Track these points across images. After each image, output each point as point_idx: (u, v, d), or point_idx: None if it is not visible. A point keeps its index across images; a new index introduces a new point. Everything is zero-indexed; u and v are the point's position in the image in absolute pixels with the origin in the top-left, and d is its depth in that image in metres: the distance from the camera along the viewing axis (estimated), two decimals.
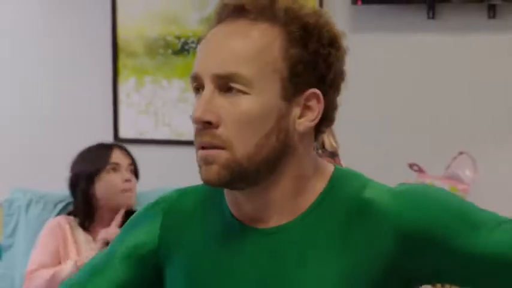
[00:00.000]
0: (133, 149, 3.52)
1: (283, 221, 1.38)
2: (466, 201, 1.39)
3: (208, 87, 1.33)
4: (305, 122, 1.37)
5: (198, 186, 1.48)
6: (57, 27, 4.45)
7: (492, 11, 3.81)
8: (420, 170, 3.70)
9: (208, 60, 1.34)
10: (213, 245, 1.42)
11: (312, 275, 1.35)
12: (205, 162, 1.34)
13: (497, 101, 3.85)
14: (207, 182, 1.35)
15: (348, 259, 1.34)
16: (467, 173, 3.56)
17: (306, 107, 1.36)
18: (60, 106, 4.44)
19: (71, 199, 3.44)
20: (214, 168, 1.33)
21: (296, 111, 1.36)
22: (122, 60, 4.35)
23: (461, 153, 3.67)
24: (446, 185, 3.52)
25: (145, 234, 1.47)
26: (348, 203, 1.37)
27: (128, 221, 1.54)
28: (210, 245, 1.42)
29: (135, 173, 3.40)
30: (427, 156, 3.82)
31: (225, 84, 1.33)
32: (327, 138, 2.89)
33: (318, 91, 1.36)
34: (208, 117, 1.32)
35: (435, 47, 3.90)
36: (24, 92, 4.50)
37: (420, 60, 3.93)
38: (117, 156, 3.27)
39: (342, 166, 2.86)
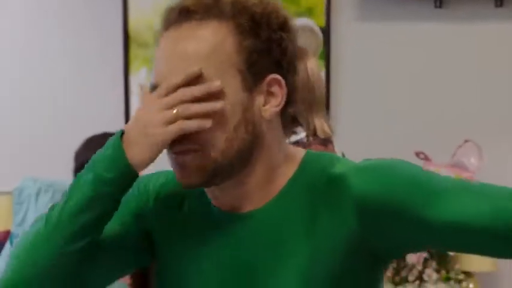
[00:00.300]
0: None
1: (257, 205, 1.42)
2: (426, 172, 1.38)
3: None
4: (270, 108, 1.38)
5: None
6: (68, 18, 4.49)
7: (499, 0, 3.82)
8: (426, 158, 3.72)
9: (165, 69, 1.35)
10: (193, 228, 1.46)
11: (283, 258, 1.38)
12: (180, 167, 1.37)
13: (503, 89, 3.86)
14: (185, 185, 1.38)
15: (316, 241, 1.37)
16: (472, 161, 3.58)
17: (269, 94, 1.38)
18: (71, 96, 4.48)
19: None
20: (191, 171, 1.36)
21: (260, 99, 1.37)
22: (133, 51, 4.38)
23: (466, 141, 3.68)
24: (451, 173, 3.53)
25: (142, 200, 1.51)
26: (314, 184, 1.40)
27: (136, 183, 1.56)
28: (190, 228, 1.46)
29: None
30: (433, 144, 3.84)
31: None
32: (319, 123, 2.86)
33: (277, 76, 1.38)
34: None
35: (442, 35, 3.91)
36: (36, 83, 4.55)
37: (427, 49, 3.94)
38: None
39: (336, 153, 2.88)
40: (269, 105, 1.39)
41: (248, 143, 1.37)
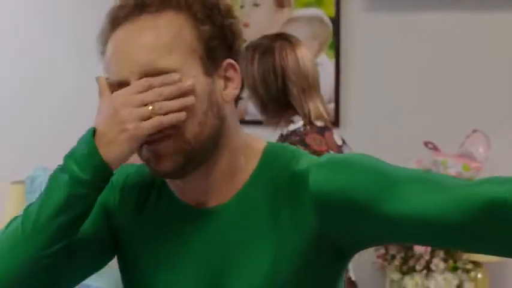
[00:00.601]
0: None
1: (222, 200, 1.44)
2: (387, 165, 1.39)
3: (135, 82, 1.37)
4: (231, 91, 1.43)
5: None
6: (80, 11, 4.53)
7: None
8: (435, 148, 3.72)
9: (127, 62, 1.36)
10: (160, 224, 1.48)
11: (249, 254, 1.41)
12: (156, 155, 1.38)
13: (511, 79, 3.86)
14: (161, 173, 1.39)
15: (279, 237, 1.40)
16: (480, 151, 3.58)
17: (227, 79, 1.42)
18: (82, 87, 4.51)
19: None
20: (166, 157, 1.37)
21: (220, 84, 1.41)
22: None
23: (474, 131, 3.68)
24: (459, 163, 3.54)
25: (109, 194, 1.52)
26: (277, 179, 1.43)
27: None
28: (158, 224, 1.48)
29: None
30: (442, 134, 3.84)
31: (152, 75, 1.36)
32: (313, 106, 2.87)
33: (232, 61, 1.43)
34: None
35: (451, 25, 3.91)
36: (49, 73, 4.59)
37: (436, 39, 3.94)
38: None
39: (334, 141, 2.89)
40: (229, 88, 1.43)
41: (216, 127, 1.41)
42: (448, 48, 3.92)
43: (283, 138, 2.86)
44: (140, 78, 1.36)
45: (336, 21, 4.07)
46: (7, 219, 3.84)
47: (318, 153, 2.70)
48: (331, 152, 2.82)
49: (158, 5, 1.38)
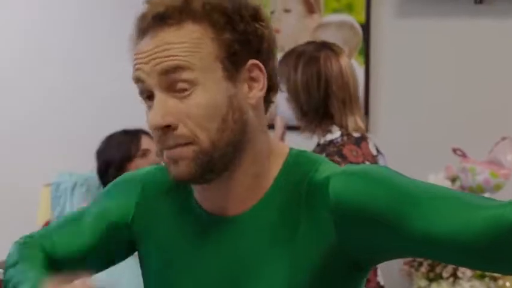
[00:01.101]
0: None
1: (244, 208, 1.43)
2: (409, 180, 1.36)
3: (158, 91, 1.37)
4: (255, 93, 1.41)
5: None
6: (95, 15, 4.57)
7: None
8: (463, 155, 3.70)
9: (151, 75, 1.37)
10: (182, 233, 1.48)
11: (267, 265, 1.39)
12: (173, 161, 1.38)
13: None
14: (178, 179, 1.39)
15: (297, 249, 1.38)
16: (508, 158, 3.55)
17: (251, 79, 1.41)
18: (112, 94, 4.55)
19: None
20: (184, 164, 1.37)
21: (243, 87, 1.40)
22: None
23: (504, 138, 3.65)
24: (487, 170, 3.52)
25: (120, 207, 1.54)
26: (296, 187, 1.41)
27: (109, 186, 1.60)
28: (179, 233, 1.48)
29: None
30: (471, 141, 3.82)
31: (173, 84, 1.37)
32: (351, 119, 2.86)
33: (257, 61, 1.41)
34: (167, 121, 1.36)
35: (482, 32, 3.88)
36: (78, 81, 4.63)
37: (466, 46, 3.92)
38: (146, 142, 3.30)
39: (370, 152, 2.88)
40: (254, 90, 1.41)
41: (237, 133, 1.39)
42: (477, 55, 3.90)
43: (320, 147, 2.86)
44: (159, 77, 1.36)
45: (366, 27, 4.06)
46: (39, 222, 3.90)
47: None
48: (367, 163, 2.82)
49: (176, 17, 1.38)
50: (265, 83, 1.42)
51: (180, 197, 1.50)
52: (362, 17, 4.06)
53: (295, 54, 2.89)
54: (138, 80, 1.40)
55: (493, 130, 3.77)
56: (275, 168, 1.44)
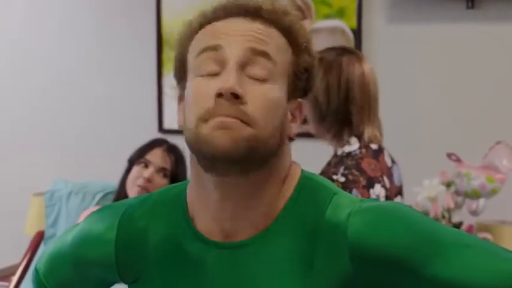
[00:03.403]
0: (177, 140, 3.53)
1: (253, 233, 1.38)
2: (432, 223, 1.35)
3: (236, 63, 1.35)
4: (295, 126, 1.43)
5: (152, 195, 1.49)
6: (103, 21, 4.54)
7: None
8: (458, 160, 3.69)
9: (239, 39, 1.37)
10: (177, 263, 1.42)
11: None
12: (224, 127, 1.31)
13: None
14: (221, 147, 1.30)
15: (308, 281, 1.34)
16: (504, 163, 3.54)
17: (293, 115, 1.43)
18: (105, 99, 4.53)
19: (109, 189, 3.52)
20: (235, 135, 1.30)
21: (289, 114, 1.42)
22: (166, 53, 4.42)
23: (498, 142, 3.65)
24: (483, 175, 3.51)
25: (98, 248, 1.49)
26: (311, 219, 1.37)
27: (87, 218, 1.54)
28: (174, 263, 1.42)
29: (172, 178, 3.28)
30: (465, 146, 3.82)
31: (252, 66, 1.35)
32: (369, 128, 2.83)
33: (303, 102, 1.44)
34: (242, 92, 1.32)
35: (474, 37, 3.89)
36: (70, 85, 4.61)
37: (459, 51, 3.92)
38: (154, 154, 3.26)
39: (386, 164, 2.85)
40: (293, 124, 1.43)
41: (279, 143, 1.38)
42: (470, 60, 3.90)
43: (338, 158, 2.82)
44: (241, 64, 1.35)
45: (357, 32, 4.06)
46: (29, 232, 3.85)
47: (373, 180, 2.72)
48: (384, 177, 2.79)
49: (271, 21, 1.41)
50: (300, 123, 1.45)
51: (176, 229, 1.44)
52: (353, 23, 4.06)
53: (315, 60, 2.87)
54: (215, 48, 1.37)
55: (486, 135, 3.77)
56: (288, 190, 1.41)
